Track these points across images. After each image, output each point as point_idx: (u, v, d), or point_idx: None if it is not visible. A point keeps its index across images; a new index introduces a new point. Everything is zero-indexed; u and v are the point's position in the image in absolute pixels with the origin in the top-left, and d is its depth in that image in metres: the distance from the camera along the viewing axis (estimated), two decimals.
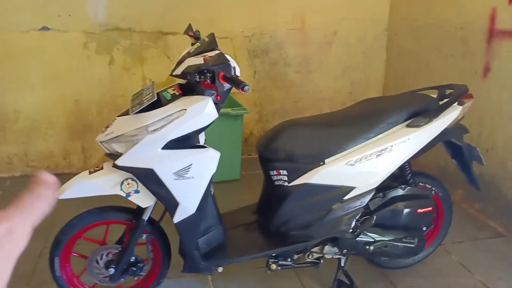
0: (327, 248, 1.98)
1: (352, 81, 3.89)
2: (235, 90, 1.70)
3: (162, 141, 1.62)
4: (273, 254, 1.93)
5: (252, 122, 3.77)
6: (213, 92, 1.62)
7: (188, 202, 1.71)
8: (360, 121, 1.90)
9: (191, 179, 1.67)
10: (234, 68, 1.63)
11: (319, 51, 3.74)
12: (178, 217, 1.72)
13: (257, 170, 3.35)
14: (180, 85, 1.76)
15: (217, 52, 1.69)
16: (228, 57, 1.62)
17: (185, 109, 1.61)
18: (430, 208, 2.01)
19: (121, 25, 3.29)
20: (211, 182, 1.74)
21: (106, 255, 1.87)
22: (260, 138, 1.99)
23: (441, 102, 1.97)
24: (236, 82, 1.49)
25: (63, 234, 1.81)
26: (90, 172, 1.73)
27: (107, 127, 1.70)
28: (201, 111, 1.61)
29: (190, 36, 2.09)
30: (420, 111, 1.92)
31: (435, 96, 2.03)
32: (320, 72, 3.79)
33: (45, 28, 3.16)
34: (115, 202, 1.87)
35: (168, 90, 1.74)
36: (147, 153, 1.62)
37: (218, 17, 3.38)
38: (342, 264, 2.08)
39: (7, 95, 3.21)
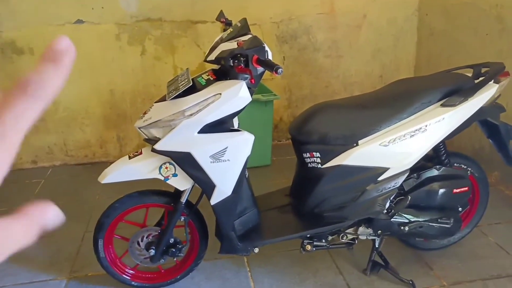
0: (361, 229, 2.00)
1: (382, 64, 3.85)
2: (264, 77, 1.73)
3: (198, 125, 1.66)
4: (308, 235, 1.96)
5: (282, 108, 3.79)
6: (247, 76, 1.65)
7: (224, 184, 1.76)
8: (393, 101, 1.89)
9: (227, 161, 1.71)
10: (267, 51, 1.65)
11: (348, 35, 3.71)
12: (215, 199, 1.77)
13: (287, 156, 3.40)
14: (213, 70, 1.80)
15: (250, 36, 1.71)
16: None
17: (220, 94, 1.65)
18: (466, 188, 2.00)
19: (151, 15, 3.36)
20: (246, 164, 1.78)
21: (146, 237, 1.94)
22: (292, 121, 2.01)
23: (476, 81, 1.94)
24: (269, 65, 1.51)
25: (106, 217, 1.89)
26: (130, 157, 1.79)
27: (145, 113, 1.76)
28: (236, 95, 1.65)
29: (222, 22, 2.12)
30: (454, 90, 1.90)
31: (470, 74, 1.99)
32: (350, 56, 3.77)
33: (79, 21, 3.26)
34: (154, 186, 1.93)
35: (202, 75, 1.78)
36: (184, 137, 1.67)
37: (246, 4, 3.39)
38: (377, 246, 2.09)
39: None
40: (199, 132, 1.68)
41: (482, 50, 3.01)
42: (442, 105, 1.87)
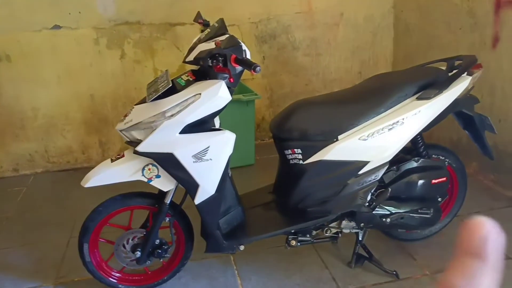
0: (344, 222, 2.03)
1: (361, 61, 3.90)
2: (245, 77, 1.75)
3: (179, 125, 1.67)
4: (292, 231, 1.99)
5: (264, 107, 3.81)
6: (226, 75, 1.67)
7: (207, 183, 1.77)
8: (370, 96, 1.93)
9: (209, 161, 1.73)
10: (245, 51, 1.67)
11: (327, 33, 3.75)
12: (199, 198, 1.78)
13: (271, 155, 3.41)
14: (193, 71, 1.81)
15: (227, 35, 1.73)
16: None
17: (200, 94, 1.66)
18: (444, 179, 2.05)
19: (130, 19, 3.35)
20: (228, 163, 1.80)
21: (132, 239, 1.94)
22: (273, 119, 2.03)
23: (450, 74, 1.99)
24: (247, 64, 1.53)
25: (90, 221, 1.89)
26: (112, 160, 1.80)
27: (125, 115, 1.76)
28: (215, 94, 1.67)
29: (199, 23, 2.14)
30: (429, 83, 1.95)
31: (444, 68, 2.05)
32: (329, 53, 3.81)
33: (56, 27, 3.23)
34: (137, 188, 1.94)
35: (181, 76, 1.80)
36: (166, 138, 1.68)
37: (225, 5, 3.41)
38: (360, 238, 2.12)
39: (25, 94, 3.30)
40: (180, 133, 1.69)
41: (456, 44, 3.08)
42: (418, 98, 1.92)
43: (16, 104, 3.31)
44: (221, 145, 1.75)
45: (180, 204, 1.95)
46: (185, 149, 1.70)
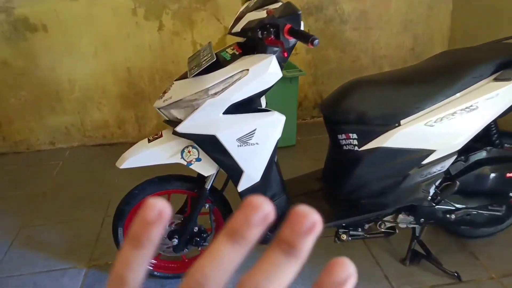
0: (401, 217, 1.83)
1: (414, 36, 3.59)
2: None
3: (223, 105, 1.50)
4: (343, 224, 1.80)
5: (306, 85, 3.59)
6: (276, 49, 1.48)
7: (252, 169, 1.60)
8: (439, 76, 1.69)
9: (255, 145, 1.55)
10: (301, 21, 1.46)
11: (378, 5, 3.45)
12: (243, 185, 1.62)
13: (312, 135, 3.22)
14: (239, 43, 1.62)
15: (281, 3, 1.52)
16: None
17: (247, 69, 1.47)
18: None
19: None
20: (276, 148, 1.62)
21: (169, 225, 1.81)
22: (325, 98, 1.82)
23: None
24: (304, 36, 1.33)
25: (126, 204, 1.77)
26: (149, 140, 1.65)
27: (164, 92, 1.60)
28: (265, 71, 1.47)
29: None
30: (509, 62, 1.68)
31: None
32: (379, 27, 3.52)
33: None
34: (176, 170, 1.79)
35: (226, 50, 1.61)
36: (208, 119, 1.51)
37: None
38: (417, 234, 1.92)
39: (62, 65, 3.20)
40: (224, 113, 1.52)
41: None
42: (495, 80, 1.67)
43: (52, 75, 3.22)
44: (269, 127, 1.57)
45: (221, 189, 1.80)
46: (229, 131, 1.53)
